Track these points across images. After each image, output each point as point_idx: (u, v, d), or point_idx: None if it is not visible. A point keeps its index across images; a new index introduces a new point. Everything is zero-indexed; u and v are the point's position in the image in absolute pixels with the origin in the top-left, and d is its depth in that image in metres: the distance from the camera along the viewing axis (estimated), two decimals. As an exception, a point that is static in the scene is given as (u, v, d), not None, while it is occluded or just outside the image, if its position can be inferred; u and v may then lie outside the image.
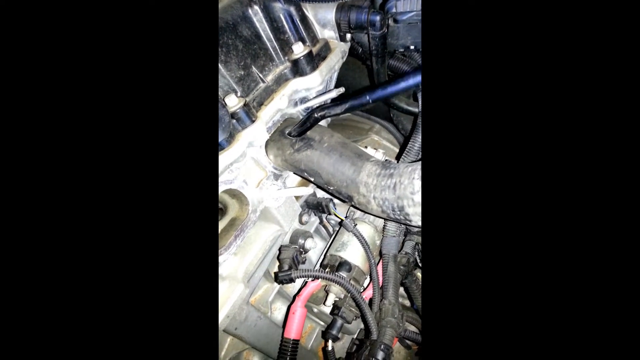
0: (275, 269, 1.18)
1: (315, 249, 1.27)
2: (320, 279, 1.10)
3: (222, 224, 1.00)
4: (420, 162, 0.77)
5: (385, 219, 1.12)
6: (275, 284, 1.20)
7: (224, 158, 0.82)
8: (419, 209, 0.74)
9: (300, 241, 1.16)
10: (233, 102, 0.82)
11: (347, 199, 0.96)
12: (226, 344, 1.10)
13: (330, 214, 1.18)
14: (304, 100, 1.07)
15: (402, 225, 1.12)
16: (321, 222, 1.32)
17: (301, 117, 1.11)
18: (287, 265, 1.06)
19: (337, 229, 1.29)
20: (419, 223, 0.78)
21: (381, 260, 1.14)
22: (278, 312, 1.24)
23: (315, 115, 0.87)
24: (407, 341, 1.31)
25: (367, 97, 0.77)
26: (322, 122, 1.23)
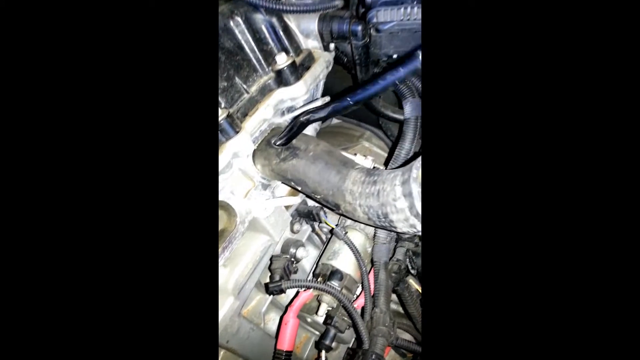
0: (267, 280, 1.18)
1: (308, 257, 1.26)
2: (311, 289, 1.09)
3: (211, 235, 1.00)
4: (402, 168, 0.77)
5: (373, 226, 1.12)
6: (267, 295, 1.19)
7: (208, 170, 0.82)
8: (402, 216, 0.74)
9: (292, 250, 1.15)
10: (216, 114, 0.83)
11: (334, 207, 0.96)
12: (220, 357, 1.09)
13: (321, 222, 1.18)
14: (291, 109, 1.08)
15: (393, 232, 1.12)
16: (313, 230, 1.32)
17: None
18: (278, 276, 1.06)
19: (330, 237, 1.29)
20: (404, 230, 0.78)
21: (372, 268, 1.13)
22: (272, 323, 1.23)
23: (301, 119, 0.88)
24: (401, 350, 1.30)
25: (348, 99, 0.78)
26: (312, 132, 1.24)
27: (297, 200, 1.07)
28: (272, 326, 1.22)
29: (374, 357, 0.90)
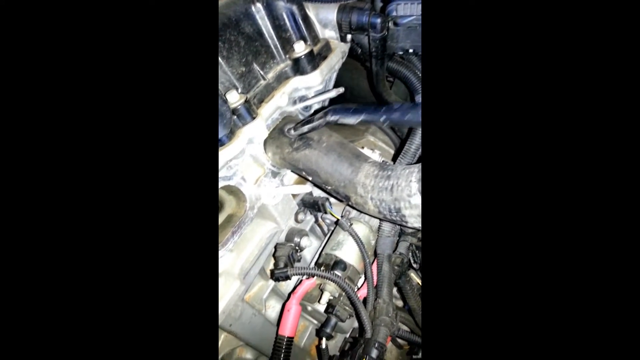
0: (270, 267, 1.19)
1: (309, 247, 1.27)
2: (315, 277, 1.10)
3: (218, 220, 1.00)
4: (418, 164, 0.78)
5: (381, 220, 1.13)
6: (270, 281, 1.20)
7: (224, 154, 0.83)
8: (415, 211, 0.75)
9: (296, 239, 1.16)
10: (234, 98, 0.83)
11: (344, 199, 0.97)
12: (220, 340, 1.10)
13: (326, 212, 1.19)
14: (303, 98, 1.08)
15: (397, 226, 1.13)
16: (316, 220, 1.33)
17: (300, 116, 1.11)
18: (282, 263, 1.07)
19: (332, 228, 1.30)
20: (415, 225, 0.79)
21: (376, 260, 1.15)
22: (272, 310, 1.24)
23: (329, 119, 0.87)
24: (398, 341, 1.32)
25: (383, 117, 0.77)
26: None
27: (306, 189, 1.08)
28: (272, 313, 1.24)
29: (376, 345, 0.91)
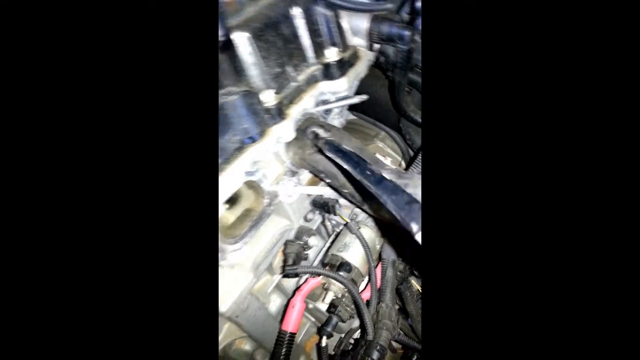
0: (276, 262, 1.22)
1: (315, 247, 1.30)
2: (321, 277, 1.14)
3: (235, 213, 1.02)
4: None
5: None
6: (275, 276, 1.23)
7: (255, 151, 0.85)
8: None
9: (305, 238, 1.19)
10: (269, 98, 0.85)
11: (359, 203, 1.00)
12: (223, 331, 1.12)
13: (335, 214, 1.22)
14: (325, 101, 1.11)
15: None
16: (322, 221, 1.36)
17: (320, 118, 1.14)
18: (291, 260, 1.10)
19: (337, 229, 1.33)
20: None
21: (379, 264, 1.18)
22: (273, 304, 1.27)
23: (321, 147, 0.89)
24: (393, 344, 1.36)
25: (364, 181, 0.78)
26: (337, 124, 1.28)
27: (324, 191, 1.10)
28: (273, 307, 1.26)
29: (378, 348, 0.95)
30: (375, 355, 0.95)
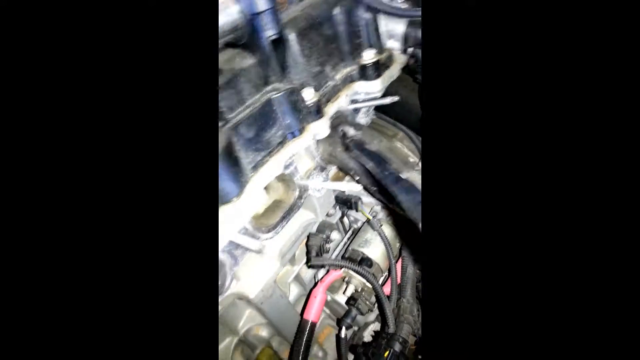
0: (297, 253, 1.26)
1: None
2: (342, 270, 1.17)
3: (265, 203, 1.06)
4: None
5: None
6: (295, 267, 1.27)
7: (295, 146, 0.89)
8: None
9: (327, 232, 1.23)
10: (310, 96, 0.88)
11: (387, 201, 1.03)
12: (245, 315, 1.17)
13: (357, 210, 1.26)
14: (354, 100, 1.14)
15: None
16: (342, 216, 1.39)
17: (349, 116, 1.18)
18: (314, 252, 1.14)
19: (355, 226, 1.37)
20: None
21: (400, 261, 1.22)
22: (291, 294, 1.31)
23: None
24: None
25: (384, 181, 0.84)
26: (364, 122, 1.32)
27: (353, 187, 1.14)
28: (291, 297, 1.30)
29: (400, 340, 0.99)
30: (397, 347, 0.99)
